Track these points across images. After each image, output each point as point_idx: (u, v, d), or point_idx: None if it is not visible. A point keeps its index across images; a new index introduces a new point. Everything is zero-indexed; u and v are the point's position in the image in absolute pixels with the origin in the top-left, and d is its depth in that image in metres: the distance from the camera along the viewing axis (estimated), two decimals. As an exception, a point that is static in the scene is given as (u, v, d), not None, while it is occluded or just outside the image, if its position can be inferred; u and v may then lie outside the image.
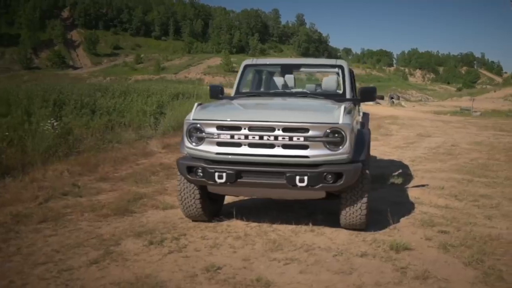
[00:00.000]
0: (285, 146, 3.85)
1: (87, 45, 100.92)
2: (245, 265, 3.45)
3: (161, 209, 4.91)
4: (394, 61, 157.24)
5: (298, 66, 6.26)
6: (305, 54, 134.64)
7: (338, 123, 3.88)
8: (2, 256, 3.63)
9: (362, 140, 4.35)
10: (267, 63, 6.45)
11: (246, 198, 5.30)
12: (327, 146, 3.85)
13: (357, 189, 4.11)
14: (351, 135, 3.90)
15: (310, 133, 3.83)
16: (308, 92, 5.52)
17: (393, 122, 18.58)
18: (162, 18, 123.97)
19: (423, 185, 6.46)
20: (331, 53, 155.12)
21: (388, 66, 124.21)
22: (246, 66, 5.71)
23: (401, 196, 5.82)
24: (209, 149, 3.96)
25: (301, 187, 3.82)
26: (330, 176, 3.85)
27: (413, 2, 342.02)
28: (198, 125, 3.98)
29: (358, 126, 4.75)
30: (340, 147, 3.87)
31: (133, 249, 3.74)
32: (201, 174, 3.95)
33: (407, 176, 7.16)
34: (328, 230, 4.29)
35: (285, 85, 5.77)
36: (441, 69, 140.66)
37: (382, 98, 38.88)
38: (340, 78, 5.41)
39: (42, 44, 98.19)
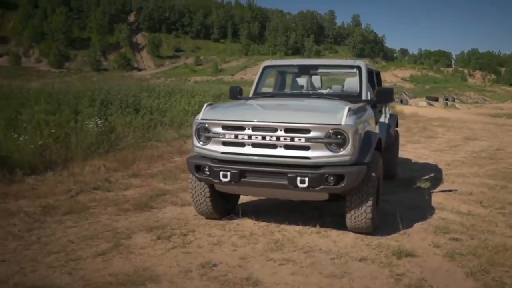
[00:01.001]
0: (287, 147, 3.81)
1: (150, 48, 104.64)
2: (241, 263, 3.44)
3: (179, 206, 4.98)
4: (453, 62, 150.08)
5: (316, 67, 6.12)
6: (360, 55, 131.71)
7: (340, 124, 3.78)
8: (23, 244, 3.83)
9: (368, 142, 4.19)
10: (286, 64, 6.39)
11: (261, 197, 5.24)
12: (329, 148, 3.77)
13: (362, 192, 3.99)
14: (354, 136, 3.78)
15: (312, 134, 3.76)
16: (324, 93, 5.42)
17: (442, 124, 17.66)
18: (221, 21, 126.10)
19: (450, 190, 6.15)
20: (387, 53, 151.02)
21: (446, 67, 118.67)
22: (265, 67, 5.70)
23: (423, 201, 5.53)
24: (216, 148, 4.00)
25: (302, 188, 3.76)
26: (331, 178, 3.75)
27: (473, 1, 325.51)
28: (206, 125, 4.03)
29: (370, 128, 4.58)
30: (342, 148, 3.77)
31: (141, 243, 3.84)
32: (208, 173, 3.99)
33: (436, 180, 6.82)
34: (334, 233, 4.18)
35: (304, 86, 5.71)
36: (502, 70, 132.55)
37: (436, 100, 37.16)
38: (357, 79, 5.28)
39: (110, 47, 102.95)
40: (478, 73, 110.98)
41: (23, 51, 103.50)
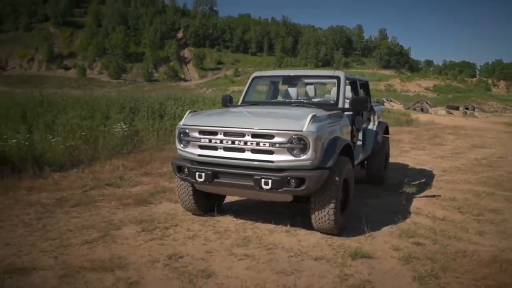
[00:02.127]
0: (253, 151, 3.78)
1: (195, 61, 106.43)
2: (204, 257, 3.42)
3: (174, 202, 5.00)
4: (477, 73, 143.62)
5: (298, 77, 6.04)
6: (386, 66, 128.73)
7: (302, 131, 3.71)
8: (29, 231, 3.99)
9: (333, 147, 4.05)
10: (272, 74, 6.33)
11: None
12: (291, 152, 3.71)
13: (325, 194, 3.89)
14: (315, 142, 3.69)
15: (275, 139, 3.71)
16: (305, 101, 5.29)
17: (454, 132, 16.67)
18: (258, 36, 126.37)
19: (433, 196, 5.86)
20: (412, 65, 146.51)
21: (470, 77, 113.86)
22: (254, 78, 5.69)
23: (403, 205, 5.29)
24: (193, 151, 4.03)
25: (266, 189, 3.70)
26: (293, 181, 3.69)
27: (497, 14, 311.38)
28: (186, 130, 4.07)
29: (340, 134, 4.44)
30: (304, 153, 3.70)
31: (127, 234, 3.90)
32: (187, 173, 4.02)
33: (425, 185, 6.53)
34: (302, 232, 4.07)
35: (289, 95, 5.65)
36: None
37: (457, 108, 35.50)
38: (336, 89, 5.17)
39: (161, 60, 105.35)
40: (502, 83, 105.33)
41: (88, 64, 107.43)
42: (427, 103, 38.05)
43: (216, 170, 3.89)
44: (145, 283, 2.95)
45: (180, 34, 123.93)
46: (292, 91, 5.81)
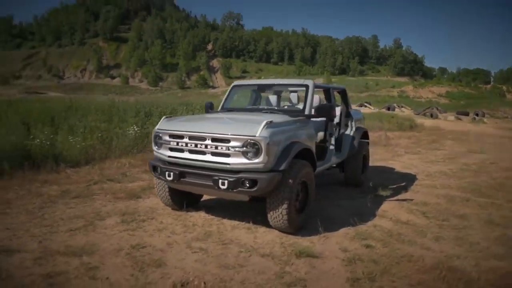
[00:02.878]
0: (213, 154, 3.79)
1: (223, 70, 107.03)
2: (164, 248, 3.43)
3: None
4: (491, 79, 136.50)
5: (271, 86, 6.01)
6: (400, 74, 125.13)
7: (255, 136, 3.70)
8: (29, 218, 4.12)
9: (287, 151, 4.00)
10: (249, 83, 6.31)
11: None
12: (246, 156, 3.70)
13: (279, 195, 3.83)
14: (267, 147, 3.67)
15: (231, 143, 3.72)
16: (276, 108, 5.20)
17: (456, 137, 15.31)
18: (280, 47, 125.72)
19: (405, 200, 5.53)
20: (426, 72, 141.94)
21: (484, 84, 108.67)
22: (233, 87, 5.71)
23: (371, 208, 5.01)
24: (165, 152, 4.07)
25: (224, 189, 3.70)
26: (246, 182, 3.69)
27: (510, 21, 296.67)
28: (160, 134, 4.13)
29: (300, 139, 4.38)
30: (257, 157, 3.70)
31: (107, 224, 3.95)
32: (159, 172, 4.07)
33: (402, 189, 6.23)
34: (262, 230, 4.00)
35: (269, 102, 5.63)
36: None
37: (466, 114, 33.53)
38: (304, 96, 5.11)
39: (193, 70, 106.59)
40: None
41: (130, 73, 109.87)
42: (437, 109, 36.30)
43: (182, 170, 3.91)
44: (103, 268, 2.99)
45: (209, 46, 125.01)
46: (272, 98, 5.80)
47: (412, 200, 5.51)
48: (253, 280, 2.95)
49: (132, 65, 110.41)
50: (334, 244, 3.78)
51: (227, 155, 3.72)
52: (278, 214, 3.87)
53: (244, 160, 3.69)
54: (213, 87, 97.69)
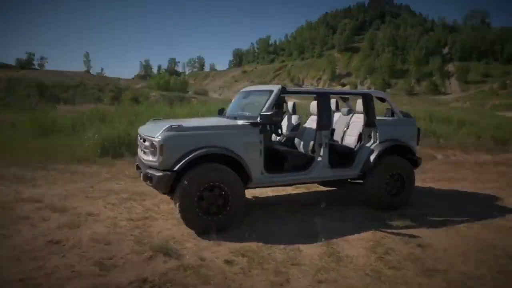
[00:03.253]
0: (144, 152, 4.67)
1: (459, 75, 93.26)
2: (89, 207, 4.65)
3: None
4: None
5: (248, 93, 5.97)
6: None
7: (154, 138, 4.37)
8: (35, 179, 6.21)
9: (186, 155, 4.39)
10: (247, 90, 6.32)
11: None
12: (152, 155, 4.42)
13: (176, 195, 4.36)
14: (161, 148, 4.29)
15: (146, 143, 4.53)
16: (247, 114, 5.33)
17: None
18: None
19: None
20: None
21: None
22: (241, 92, 6.23)
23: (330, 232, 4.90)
24: (139, 150, 5.14)
25: (147, 183, 4.51)
26: (149, 177, 4.41)
27: None
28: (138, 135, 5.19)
29: (224, 144, 4.60)
30: (155, 156, 4.36)
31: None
32: (136, 165, 5.19)
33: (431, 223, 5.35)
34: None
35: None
36: None
37: None
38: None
39: (424, 75, 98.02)
40: None
41: (359, 81, 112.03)
42: None
43: (138, 164, 4.97)
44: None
45: (445, 50, 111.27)
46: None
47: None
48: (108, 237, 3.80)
49: (362, 73, 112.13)
50: (210, 253, 4.04)
51: (147, 154, 4.56)
52: (177, 212, 4.39)
53: (152, 158, 4.46)
54: (444, 93, 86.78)
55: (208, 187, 4.49)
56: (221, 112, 6.20)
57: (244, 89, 6.29)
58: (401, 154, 6.02)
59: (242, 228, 4.66)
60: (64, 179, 7.11)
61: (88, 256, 3.84)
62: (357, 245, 4.40)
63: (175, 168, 4.32)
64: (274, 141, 6.57)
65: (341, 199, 6.57)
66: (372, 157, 5.64)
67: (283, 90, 5.23)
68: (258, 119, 4.86)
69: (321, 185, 7.47)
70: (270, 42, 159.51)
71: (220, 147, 4.60)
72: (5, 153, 8.76)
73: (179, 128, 4.49)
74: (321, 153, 5.40)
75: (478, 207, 6.23)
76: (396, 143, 5.89)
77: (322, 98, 5.52)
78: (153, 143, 4.42)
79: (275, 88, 5.21)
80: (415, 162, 6.16)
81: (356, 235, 4.71)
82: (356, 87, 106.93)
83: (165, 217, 5.06)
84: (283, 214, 5.43)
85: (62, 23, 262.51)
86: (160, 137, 4.34)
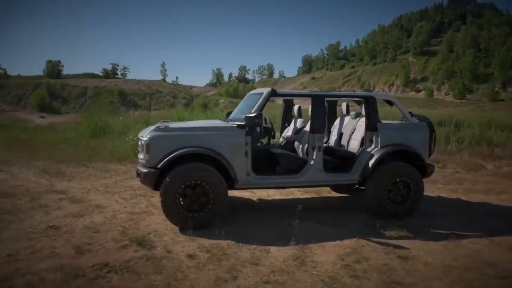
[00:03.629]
0: (139, 152, 5.07)
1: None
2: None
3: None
4: None
5: (250, 96, 5.97)
6: None
7: (142, 137, 4.77)
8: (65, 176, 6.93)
9: (169, 154, 4.67)
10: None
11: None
12: (142, 153, 4.83)
13: (160, 190, 4.67)
14: (147, 147, 4.68)
15: (139, 143, 4.93)
16: (242, 116, 5.36)
17: None
18: None
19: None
20: None
21: None
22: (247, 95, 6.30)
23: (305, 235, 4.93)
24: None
25: (138, 178, 5.00)
26: (138, 173, 4.88)
27: None
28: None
29: (206, 145, 4.81)
30: (144, 154, 4.74)
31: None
32: None
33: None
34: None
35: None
36: None
37: None
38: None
39: (510, 80, 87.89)
40: None
41: (436, 87, 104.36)
42: None
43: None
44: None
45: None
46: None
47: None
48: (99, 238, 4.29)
49: (439, 77, 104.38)
50: (180, 247, 4.26)
51: (140, 152, 4.98)
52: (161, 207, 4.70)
53: (141, 156, 4.87)
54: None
55: (190, 185, 4.71)
56: (228, 115, 6.37)
57: (249, 92, 6.42)
58: (409, 160, 5.66)
59: (223, 226, 4.78)
60: (96, 175, 7.90)
61: (73, 240, 4.30)
62: (330, 252, 4.28)
63: (159, 166, 4.62)
64: (274, 144, 6.59)
65: (350, 206, 6.33)
66: (371, 162, 5.40)
67: (273, 93, 5.28)
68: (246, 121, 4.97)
69: (333, 191, 7.29)
70: (340, 47, 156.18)
71: (204, 147, 4.80)
72: (60, 152, 9.95)
73: (165, 128, 4.80)
74: (314, 157, 5.32)
75: (500, 222, 5.59)
76: (400, 148, 5.56)
77: (317, 101, 5.44)
78: (142, 142, 4.79)
79: (265, 91, 5.29)
80: (424, 170, 5.73)
81: (337, 242, 4.56)
82: (432, 92, 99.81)
83: (161, 213, 5.37)
84: (274, 217, 5.43)
85: (144, 37, 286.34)
86: (147, 136, 4.69)
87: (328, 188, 7.31)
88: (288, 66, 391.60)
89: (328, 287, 3.48)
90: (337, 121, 6.88)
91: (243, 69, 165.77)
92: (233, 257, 4.01)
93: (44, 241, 4.29)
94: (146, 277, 3.50)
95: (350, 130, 6.35)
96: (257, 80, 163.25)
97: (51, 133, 13.35)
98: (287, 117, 7.05)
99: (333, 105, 7.10)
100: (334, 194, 7.19)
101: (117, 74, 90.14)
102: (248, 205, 6.17)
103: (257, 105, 5.13)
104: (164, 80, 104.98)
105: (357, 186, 5.82)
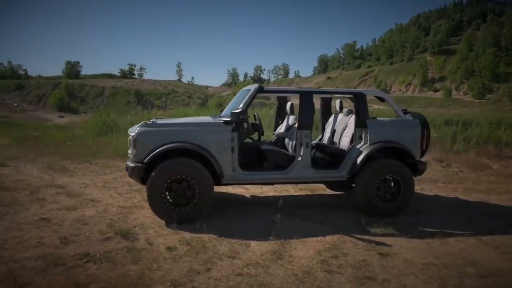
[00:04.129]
0: (129, 146, 5.20)
1: None
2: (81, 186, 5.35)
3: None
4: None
5: (241, 93, 5.92)
6: None
7: (131, 133, 4.89)
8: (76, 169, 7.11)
9: (155, 149, 4.78)
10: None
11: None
12: (130, 148, 4.94)
13: (147, 184, 4.76)
14: (134, 142, 4.80)
15: (129, 138, 5.03)
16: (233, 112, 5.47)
17: None
18: None
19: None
20: None
21: None
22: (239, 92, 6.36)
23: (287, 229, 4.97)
24: None
25: (127, 173, 5.15)
26: (127, 168, 5.05)
27: None
28: None
29: (194, 140, 4.90)
30: (132, 149, 4.86)
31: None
32: None
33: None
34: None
35: None
36: None
37: None
38: None
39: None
40: None
41: (454, 86, 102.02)
42: None
43: None
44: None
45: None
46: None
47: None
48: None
49: (458, 77, 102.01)
50: (161, 240, 4.36)
51: (129, 147, 5.09)
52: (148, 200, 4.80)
53: (130, 151, 4.99)
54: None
55: (175, 179, 4.80)
56: (221, 112, 6.44)
57: (241, 89, 6.47)
58: (400, 158, 5.60)
59: (208, 221, 4.85)
60: (97, 171, 8.10)
61: (60, 232, 4.45)
62: (311, 247, 4.29)
63: (145, 160, 4.73)
64: (265, 141, 6.61)
65: (344, 203, 6.26)
66: (359, 159, 5.38)
67: (260, 89, 5.32)
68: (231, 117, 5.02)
69: (328, 188, 7.27)
70: (357, 47, 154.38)
71: (190, 143, 4.89)
72: (67, 149, 10.23)
73: (152, 124, 4.90)
74: (301, 153, 5.33)
75: (496, 222, 5.47)
76: (389, 145, 5.51)
77: (305, 98, 5.45)
78: (130, 138, 4.91)
79: (253, 87, 5.34)
80: (415, 167, 5.66)
81: (319, 238, 4.56)
82: (450, 92, 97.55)
83: (151, 207, 5.50)
84: (262, 213, 5.44)
85: (161, 37, 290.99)
86: (135, 132, 4.81)
87: (323, 186, 7.30)
88: (303, 66, 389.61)
89: (299, 281, 3.50)
90: (331, 118, 6.86)
91: (258, 69, 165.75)
92: (212, 250, 4.07)
93: (33, 231, 4.46)
94: (122, 267, 3.59)
95: (342, 127, 6.32)
96: (272, 80, 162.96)
97: (61, 131, 13.69)
98: (280, 114, 7.07)
99: (329, 103, 7.08)
100: (329, 191, 7.16)
101: (134, 74, 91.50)
102: (238, 201, 6.21)
103: (243, 101, 5.19)
104: (179, 80, 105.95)
105: (349, 183, 5.79)
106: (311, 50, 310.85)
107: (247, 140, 6.47)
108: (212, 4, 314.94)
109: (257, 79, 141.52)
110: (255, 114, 6.51)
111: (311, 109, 5.54)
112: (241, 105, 5.14)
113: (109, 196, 6.10)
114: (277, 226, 4.63)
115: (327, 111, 7.08)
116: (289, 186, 7.25)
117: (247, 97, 5.22)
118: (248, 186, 7.14)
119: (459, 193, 7.34)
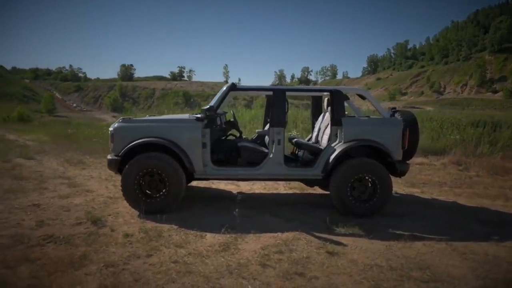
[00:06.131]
0: None
1: None
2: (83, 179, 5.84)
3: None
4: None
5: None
6: None
7: (110, 128, 5.24)
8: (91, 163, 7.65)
9: (128, 143, 5.08)
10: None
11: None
12: (109, 142, 5.29)
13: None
14: (111, 137, 5.13)
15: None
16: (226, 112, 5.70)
17: None
18: None
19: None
20: None
21: None
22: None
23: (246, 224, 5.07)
24: None
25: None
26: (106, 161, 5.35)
27: None
28: None
29: (170, 136, 5.12)
30: (109, 143, 5.22)
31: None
32: None
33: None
34: None
35: None
36: None
37: None
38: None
39: None
40: None
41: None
42: None
43: None
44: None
45: None
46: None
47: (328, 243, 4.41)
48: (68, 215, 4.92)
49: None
50: (125, 228, 4.64)
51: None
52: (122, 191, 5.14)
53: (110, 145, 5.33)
54: None
55: (147, 172, 5.08)
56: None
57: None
58: (379, 157, 5.44)
59: (177, 213, 5.09)
60: (108, 165, 8.67)
61: (42, 216, 4.92)
62: (261, 242, 4.33)
63: (119, 154, 5.06)
64: (246, 138, 6.68)
65: (328, 203, 6.08)
66: (332, 157, 5.31)
67: (233, 87, 5.45)
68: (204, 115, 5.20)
69: (320, 188, 7.17)
70: (409, 46, 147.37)
71: (162, 138, 5.13)
72: (91, 145, 11.03)
73: (128, 120, 5.22)
74: (273, 150, 5.37)
75: (485, 228, 5.07)
76: (364, 143, 5.37)
77: (277, 95, 5.48)
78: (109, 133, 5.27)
79: (226, 85, 5.50)
80: (393, 167, 5.44)
81: (276, 234, 4.59)
82: (510, 93, 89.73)
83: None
84: (234, 209, 5.51)
85: (209, 40, 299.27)
86: (113, 127, 5.16)
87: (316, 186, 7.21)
88: (352, 67, 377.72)
89: (229, 271, 3.59)
90: (320, 117, 6.79)
91: (305, 70, 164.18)
92: (165, 239, 4.28)
93: (19, 215, 4.97)
94: (75, 248, 3.92)
95: (325, 125, 6.24)
96: (319, 81, 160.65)
97: (92, 129, 14.71)
98: (268, 113, 7.11)
99: (319, 101, 7.01)
100: (320, 191, 7.06)
101: (183, 76, 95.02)
102: (219, 197, 6.36)
103: (214, 99, 5.35)
104: (226, 82, 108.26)
105: (324, 182, 5.70)
106: (360, 51, 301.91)
107: (231, 137, 6.61)
108: (258, 5, 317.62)
109: (304, 80, 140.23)
110: (232, 111, 6.62)
111: (284, 106, 5.54)
112: (211, 103, 5.31)
113: (104, 188, 6.55)
114: (237, 221, 4.72)
115: (316, 109, 7.01)
116: (279, 185, 7.28)
117: (218, 95, 5.38)
118: (239, 183, 7.27)
119: (461, 198, 6.89)
